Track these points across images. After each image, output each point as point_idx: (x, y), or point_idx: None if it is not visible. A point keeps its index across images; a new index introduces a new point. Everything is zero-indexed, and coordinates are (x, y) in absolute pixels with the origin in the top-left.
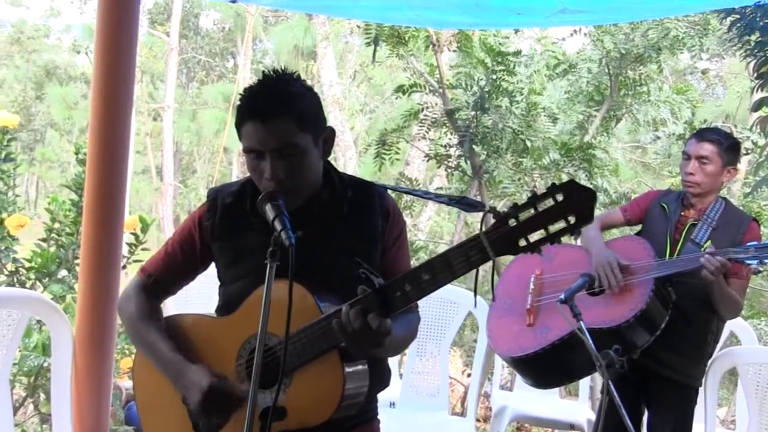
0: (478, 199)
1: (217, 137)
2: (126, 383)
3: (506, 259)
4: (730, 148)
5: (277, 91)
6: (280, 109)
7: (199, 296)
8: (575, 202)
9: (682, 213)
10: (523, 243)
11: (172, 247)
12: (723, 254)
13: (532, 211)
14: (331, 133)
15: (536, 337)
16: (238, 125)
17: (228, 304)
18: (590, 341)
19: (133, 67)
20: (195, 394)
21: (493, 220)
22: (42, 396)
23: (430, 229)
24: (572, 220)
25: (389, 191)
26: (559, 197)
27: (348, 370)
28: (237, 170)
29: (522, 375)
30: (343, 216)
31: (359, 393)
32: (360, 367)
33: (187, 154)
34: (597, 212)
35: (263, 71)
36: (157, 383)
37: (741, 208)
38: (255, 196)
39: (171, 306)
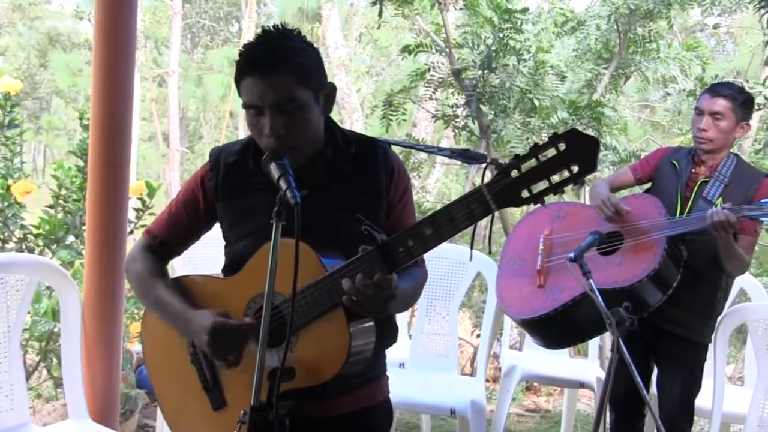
0: None
1: (223, 102)
2: (137, 347)
3: (514, 219)
4: (744, 103)
5: (276, 45)
6: (279, 63)
7: (206, 259)
8: (578, 151)
9: (693, 170)
10: (525, 194)
11: (176, 207)
12: (737, 212)
13: (534, 161)
14: (332, 89)
15: (547, 298)
16: (238, 80)
17: (233, 264)
18: (600, 299)
19: (134, 31)
20: (202, 335)
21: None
22: (54, 360)
23: (438, 191)
24: (575, 169)
25: (393, 147)
26: (561, 146)
27: (354, 327)
28: (243, 135)
29: (533, 336)
30: (346, 173)
31: (366, 349)
32: (366, 323)
33: (193, 119)
34: (606, 170)
35: (262, 27)
36: (166, 344)
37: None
38: (258, 155)
39: (179, 268)
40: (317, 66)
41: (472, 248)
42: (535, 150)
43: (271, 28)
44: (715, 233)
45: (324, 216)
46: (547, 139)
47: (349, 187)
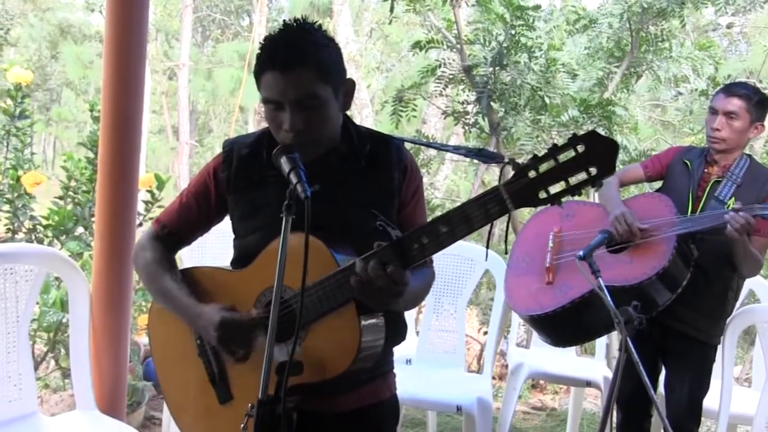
0: None
1: (232, 96)
2: (144, 339)
3: (523, 217)
4: (759, 103)
5: (298, 41)
6: (301, 60)
7: (214, 252)
8: (596, 153)
9: (706, 170)
10: (543, 195)
11: (186, 198)
12: (749, 211)
13: (553, 162)
14: (352, 85)
15: (556, 295)
16: (258, 75)
17: (243, 257)
18: (609, 298)
19: (145, 24)
20: (211, 330)
21: (512, 172)
22: (62, 351)
23: (447, 188)
24: (593, 171)
25: (406, 145)
26: (580, 148)
27: (364, 323)
28: (253, 129)
29: (540, 333)
30: (360, 169)
31: (375, 346)
32: (376, 320)
33: (203, 113)
34: (614, 169)
35: (284, 20)
36: (173, 337)
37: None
38: (271, 148)
39: (187, 260)
40: (338, 62)
41: (488, 249)
42: (554, 151)
43: (293, 22)
44: (735, 234)
45: (336, 211)
46: (566, 141)
47: (362, 184)
